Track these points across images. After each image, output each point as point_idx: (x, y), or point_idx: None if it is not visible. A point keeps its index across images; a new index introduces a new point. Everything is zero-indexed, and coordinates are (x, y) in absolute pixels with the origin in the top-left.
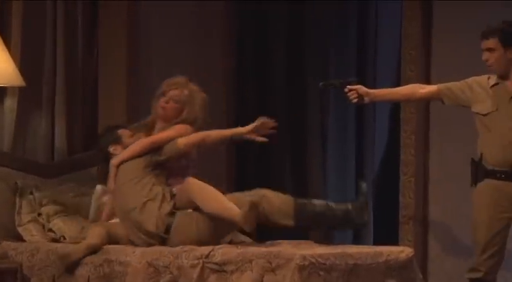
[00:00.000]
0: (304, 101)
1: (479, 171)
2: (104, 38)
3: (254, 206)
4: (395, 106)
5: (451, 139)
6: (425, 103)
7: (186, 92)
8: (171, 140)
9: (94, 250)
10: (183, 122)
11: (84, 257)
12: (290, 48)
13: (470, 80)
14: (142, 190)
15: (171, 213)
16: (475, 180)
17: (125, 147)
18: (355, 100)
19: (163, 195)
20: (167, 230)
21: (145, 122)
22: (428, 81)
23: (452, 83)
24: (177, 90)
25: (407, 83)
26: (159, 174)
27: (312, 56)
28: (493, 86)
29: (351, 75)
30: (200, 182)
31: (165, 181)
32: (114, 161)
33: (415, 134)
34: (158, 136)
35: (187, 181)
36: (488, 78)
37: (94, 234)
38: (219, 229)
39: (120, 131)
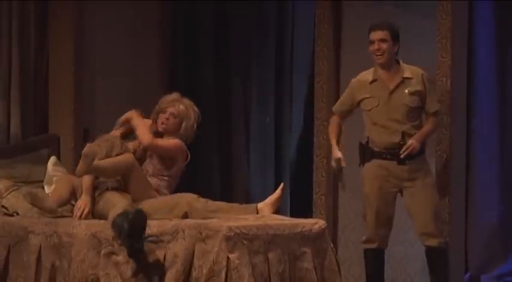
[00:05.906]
0: (229, 97)
1: (366, 153)
2: (53, 35)
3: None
4: (310, 96)
5: (353, 125)
6: (334, 94)
7: (182, 107)
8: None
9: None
10: (180, 137)
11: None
12: (217, 45)
13: (351, 84)
14: None
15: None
16: (362, 161)
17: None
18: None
19: None
20: None
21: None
22: (337, 73)
23: (340, 100)
24: (174, 107)
25: (320, 74)
26: None
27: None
28: (371, 82)
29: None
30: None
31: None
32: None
33: (327, 121)
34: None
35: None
36: (366, 75)
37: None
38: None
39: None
